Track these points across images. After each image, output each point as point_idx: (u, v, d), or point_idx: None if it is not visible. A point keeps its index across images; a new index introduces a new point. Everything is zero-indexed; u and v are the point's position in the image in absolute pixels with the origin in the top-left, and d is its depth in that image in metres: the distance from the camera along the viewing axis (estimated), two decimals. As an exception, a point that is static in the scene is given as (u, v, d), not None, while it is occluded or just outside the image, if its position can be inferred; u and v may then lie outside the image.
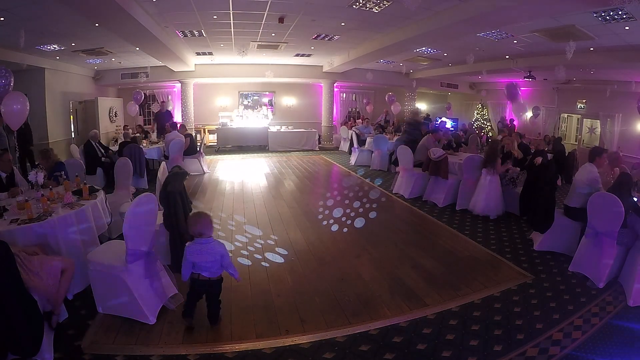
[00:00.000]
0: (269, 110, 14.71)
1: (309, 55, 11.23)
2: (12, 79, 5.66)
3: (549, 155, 7.03)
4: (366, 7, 6.08)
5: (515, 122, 13.09)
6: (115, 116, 12.57)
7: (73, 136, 11.09)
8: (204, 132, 13.78)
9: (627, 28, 5.85)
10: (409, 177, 7.10)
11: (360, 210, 6.10)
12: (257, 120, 13.83)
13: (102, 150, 7.61)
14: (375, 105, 16.37)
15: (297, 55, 11.10)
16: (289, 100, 15.53)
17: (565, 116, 13.31)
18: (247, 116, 13.79)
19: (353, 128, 11.81)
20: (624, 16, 5.29)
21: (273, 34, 8.29)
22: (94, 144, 7.43)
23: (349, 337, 2.82)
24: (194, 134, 11.40)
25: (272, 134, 13.37)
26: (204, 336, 2.81)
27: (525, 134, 10.60)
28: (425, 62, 11.56)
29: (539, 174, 5.17)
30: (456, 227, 5.46)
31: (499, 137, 7.88)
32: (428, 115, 14.47)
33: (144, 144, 8.92)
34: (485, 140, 11.56)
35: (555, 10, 5.10)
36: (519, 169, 6.20)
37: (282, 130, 13.69)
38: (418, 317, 3.10)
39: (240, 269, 3.96)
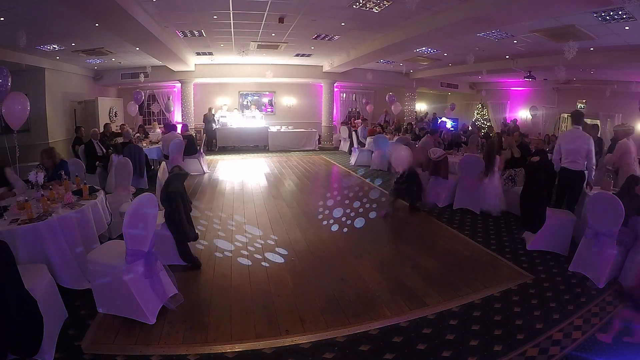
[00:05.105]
0: (262, 111, 14.73)
1: (309, 55, 11.23)
2: (10, 79, 5.65)
3: (550, 155, 7.01)
4: (366, 7, 6.08)
5: (517, 122, 13.10)
6: (115, 116, 12.56)
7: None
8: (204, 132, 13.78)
9: (627, 28, 5.85)
10: None
11: (360, 210, 6.10)
12: (255, 121, 13.84)
13: (103, 149, 7.59)
14: (375, 105, 16.37)
15: (297, 55, 11.10)
16: (289, 100, 15.53)
17: (565, 116, 13.31)
18: (233, 117, 13.82)
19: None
20: (624, 16, 5.29)
21: (273, 34, 8.28)
22: (94, 142, 7.42)
23: (349, 337, 2.82)
24: (194, 134, 11.40)
25: (272, 134, 13.37)
26: (204, 336, 2.81)
27: (529, 135, 10.60)
28: (425, 62, 11.56)
29: (533, 173, 5.17)
30: (456, 227, 5.46)
31: (495, 137, 7.87)
32: (427, 114, 14.49)
33: (144, 144, 8.92)
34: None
35: (555, 10, 5.11)
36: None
37: (282, 130, 13.69)
38: (418, 317, 3.10)
39: (240, 269, 3.98)
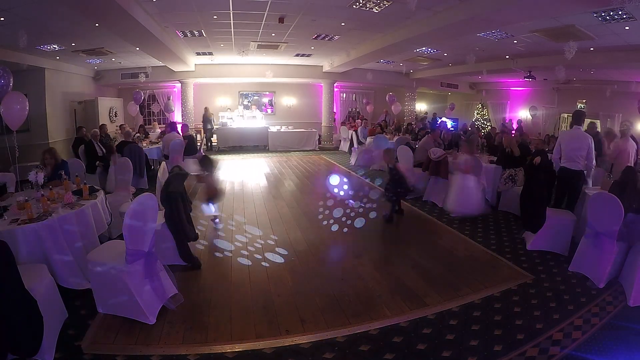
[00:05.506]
0: (262, 111, 14.74)
1: (309, 55, 11.23)
2: (11, 79, 5.66)
3: (550, 155, 7.01)
4: (366, 7, 6.08)
5: (521, 123, 13.14)
6: (115, 116, 12.57)
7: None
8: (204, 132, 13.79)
9: (627, 28, 5.85)
10: (409, 177, 7.07)
11: (360, 210, 6.10)
12: (255, 121, 13.86)
13: (103, 150, 7.58)
14: (375, 105, 16.37)
15: (297, 55, 11.10)
16: (289, 100, 15.53)
17: (565, 116, 13.31)
18: (243, 116, 13.88)
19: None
20: (624, 16, 5.29)
21: (273, 34, 8.28)
22: (95, 143, 7.42)
23: (349, 337, 2.82)
24: (194, 134, 11.41)
25: (272, 134, 13.38)
26: (204, 336, 2.81)
27: (529, 135, 10.61)
28: (425, 62, 11.56)
29: (533, 173, 5.18)
30: (456, 227, 5.46)
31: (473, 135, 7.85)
32: (426, 113, 14.49)
33: (145, 144, 8.91)
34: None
35: (555, 10, 5.11)
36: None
37: (282, 130, 13.70)
38: (418, 317, 3.10)
39: (240, 269, 3.98)
